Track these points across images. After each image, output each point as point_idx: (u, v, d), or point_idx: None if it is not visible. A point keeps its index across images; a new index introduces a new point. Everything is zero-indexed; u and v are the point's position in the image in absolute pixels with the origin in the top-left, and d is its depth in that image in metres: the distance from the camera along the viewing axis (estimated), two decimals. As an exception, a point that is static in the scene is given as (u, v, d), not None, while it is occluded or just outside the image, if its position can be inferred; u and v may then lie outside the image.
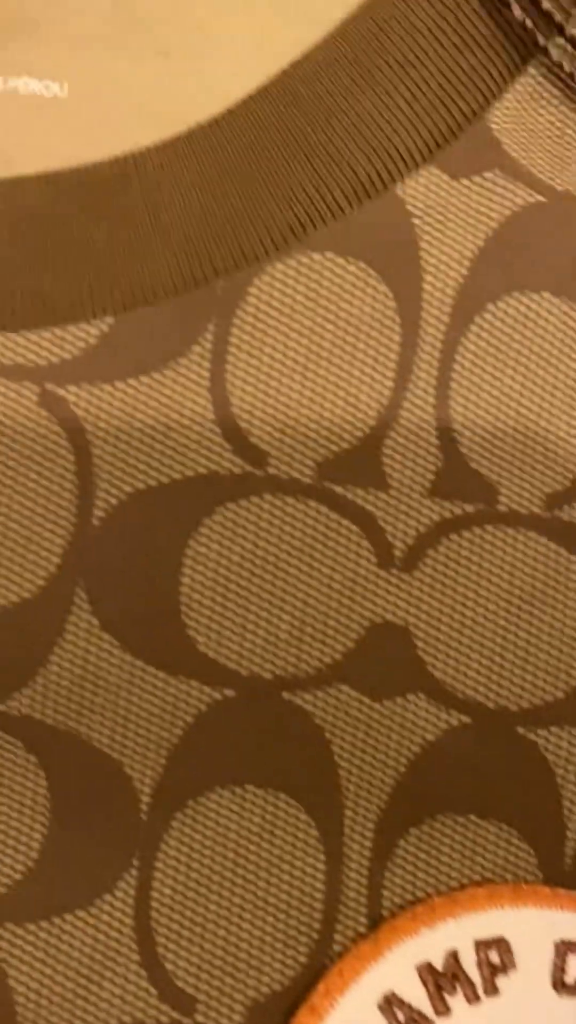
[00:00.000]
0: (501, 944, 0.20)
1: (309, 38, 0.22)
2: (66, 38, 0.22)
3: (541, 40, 0.21)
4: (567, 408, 0.21)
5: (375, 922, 0.20)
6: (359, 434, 0.20)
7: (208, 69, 0.22)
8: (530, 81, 0.21)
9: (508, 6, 0.21)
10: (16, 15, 0.22)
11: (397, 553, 0.20)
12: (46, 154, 0.22)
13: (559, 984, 0.20)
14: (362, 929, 0.20)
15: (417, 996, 0.20)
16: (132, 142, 0.22)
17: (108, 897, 0.20)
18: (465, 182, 0.21)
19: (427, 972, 0.20)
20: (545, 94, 0.22)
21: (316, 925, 0.20)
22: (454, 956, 0.20)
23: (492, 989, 0.20)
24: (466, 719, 0.20)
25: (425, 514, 0.20)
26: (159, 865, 0.20)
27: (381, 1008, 0.20)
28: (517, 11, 0.21)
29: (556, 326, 0.21)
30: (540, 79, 0.22)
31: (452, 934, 0.20)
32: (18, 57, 0.22)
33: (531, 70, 0.21)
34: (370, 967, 0.20)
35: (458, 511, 0.20)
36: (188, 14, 0.22)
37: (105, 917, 0.20)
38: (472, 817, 0.20)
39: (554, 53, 0.21)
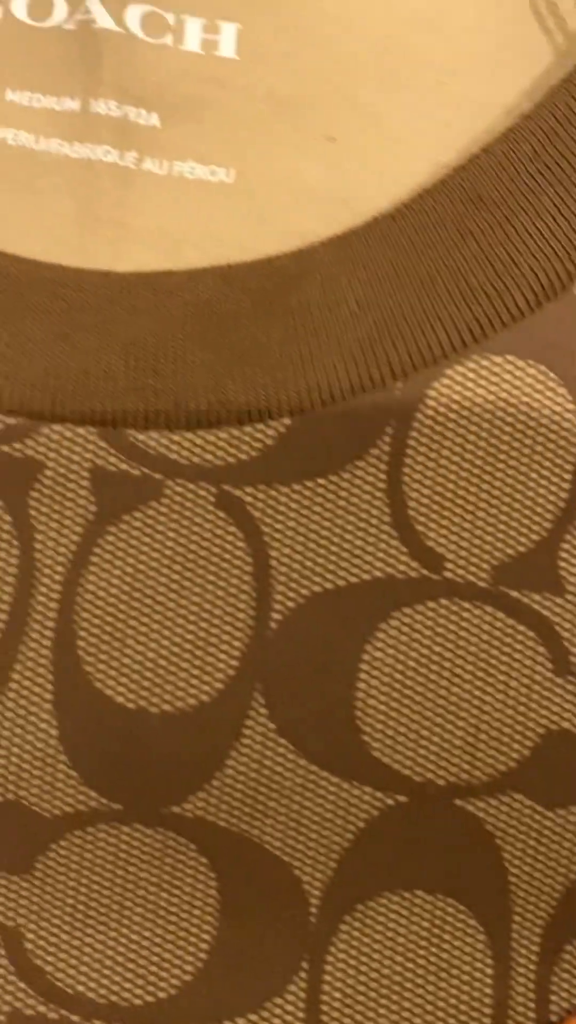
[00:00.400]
0: None
1: (480, 125, 0.22)
2: (232, 122, 0.22)
3: None
4: None
5: (546, 1030, 0.20)
6: (535, 537, 0.20)
7: (375, 155, 0.22)
8: None
9: None
10: (183, 99, 0.22)
11: (573, 660, 0.20)
12: (212, 239, 0.22)
13: None
14: (532, 1035, 0.20)
15: None
16: (298, 228, 0.22)
17: (278, 1000, 0.20)
18: None
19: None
20: None
21: None
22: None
23: None
24: None
25: (602, 620, 0.20)
26: (328, 968, 0.20)
27: None
28: None
29: None
30: None
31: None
32: (185, 141, 0.22)
33: None
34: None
35: None
36: (355, 99, 0.22)
37: (276, 1021, 0.20)
38: None
39: None
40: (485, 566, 0.20)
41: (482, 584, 0.20)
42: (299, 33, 0.22)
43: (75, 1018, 0.20)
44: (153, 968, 0.20)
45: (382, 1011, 0.20)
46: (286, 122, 0.22)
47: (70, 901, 0.20)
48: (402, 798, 0.20)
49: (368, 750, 0.20)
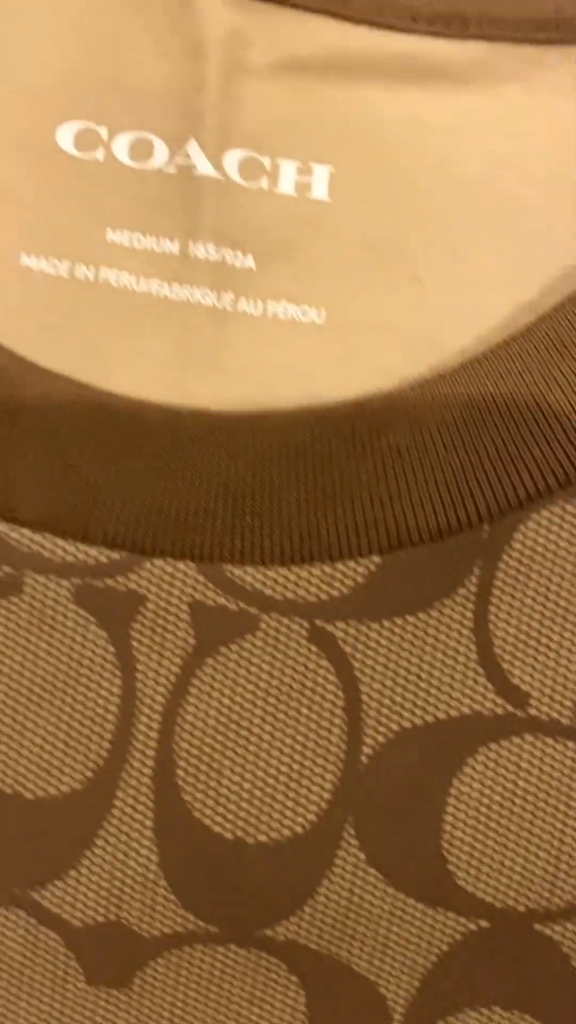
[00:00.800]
0: None
1: (561, 264, 0.23)
2: (323, 264, 0.23)
3: None
4: None
5: None
6: None
7: (459, 294, 0.23)
8: None
9: None
10: (277, 241, 0.23)
11: None
12: (304, 378, 0.23)
13: None
14: None
15: None
16: (386, 366, 0.23)
17: None
18: None
19: None
20: None
21: None
22: None
23: None
24: None
25: None
26: None
27: None
28: None
29: None
30: None
31: None
32: (278, 283, 0.23)
33: None
34: None
35: None
36: (442, 242, 0.23)
37: None
38: None
39: None
40: (568, 703, 0.21)
41: (565, 721, 0.21)
42: (389, 175, 0.23)
43: None
44: None
45: None
46: (374, 263, 0.23)
47: (166, 1015, 0.21)
48: (484, 923, 0.21)
49: (453, 879, 0.21)
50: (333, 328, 0.23)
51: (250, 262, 0.23)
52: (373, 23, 0.22)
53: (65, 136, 0.22)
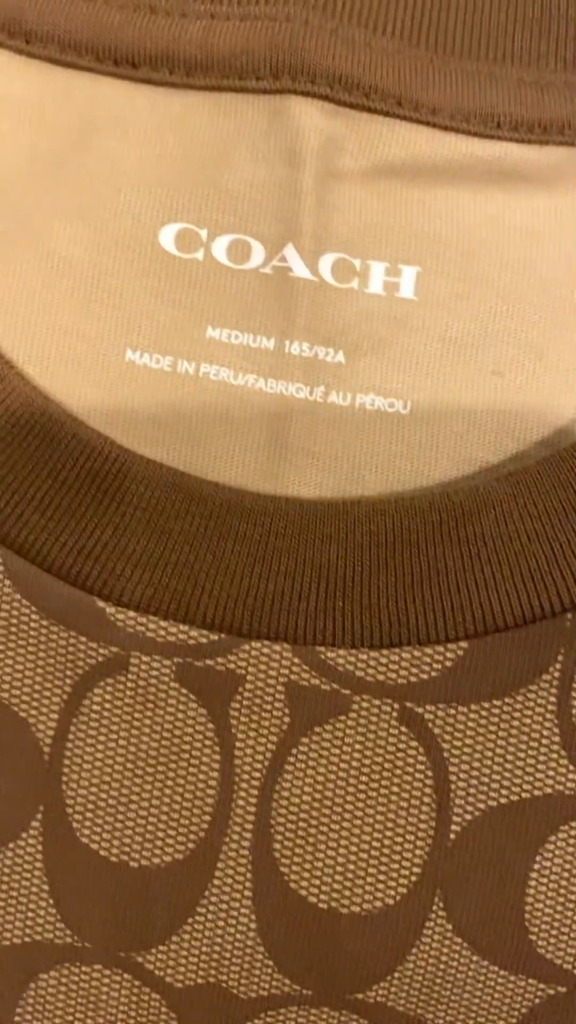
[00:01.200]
0: None
1: None
2: (409, 358, 0.24)
3: None
4: None
5: None
6: None
7: (538, 388, 0.24)
8: None
9: None
10: (366, 337, 0.24)
11: None
12: (390, 466, 0.24)
13: None
14: None
15: None
16: (469, 455, 0.24)
17: None
18: None
19: None
20: None
21: None
22: None
23: None
24: None
25: None
26: None
27: None
28: None
29: None
30: None
31: None
32: (366, 376, 0.24)
33: None
34: None
35: None
36: (522, 337, 0.24)
37: None
38: None
39: None
40: None
41: None
42: (472, 275, 0.24)
43: None
44: None
45: None
46: (458, 358, 0.24)
47: (260, 1072, 0.22)
48: (562, 988, 0.22)
49: (534, 947, 0.22)
50: (418, 419, 0.24)
51: (340, 357, 0.24)
52: (461, 130, 0.24)
53: (167, 237, 0.24)
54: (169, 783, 0.22)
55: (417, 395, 0.24)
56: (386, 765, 0.22)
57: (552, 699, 0.22)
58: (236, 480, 0.24)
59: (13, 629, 0.23)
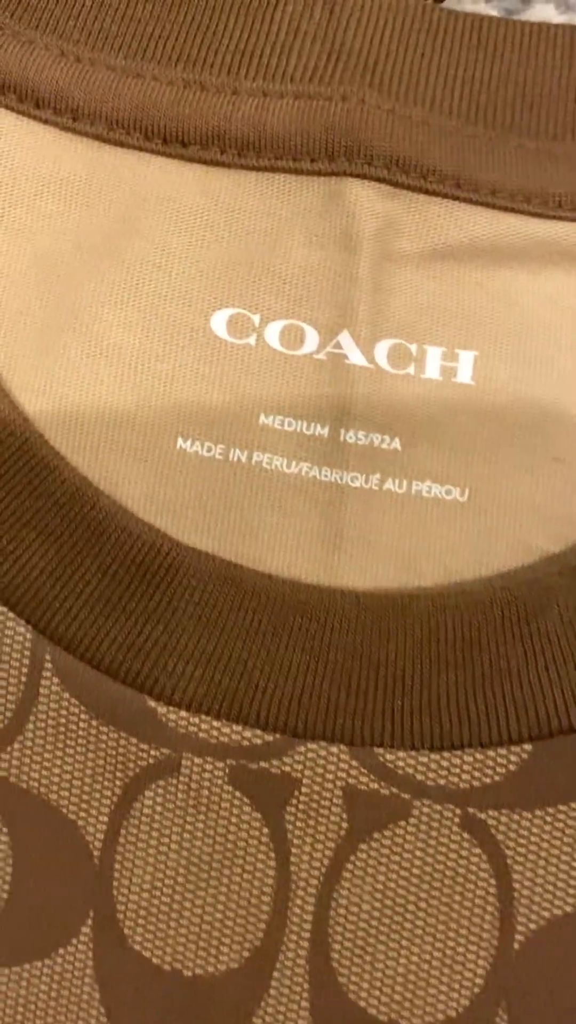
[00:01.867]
0: None
1: None
2: (466, 444, 0.23)
3: None
4: None
5: None
6: None
7: (601, 474, 0.23)
8: None
9: None
10: (422, 423, 0.23)
11: None
12: (448, 555, 0.23)
13: None
14: None
15: None
16: (527, 543, 0.23)
17: None
18: None
19: None
20: None
21: None
22: None
23: None
24: None
25: None
26: None
27: None
28: None
29: None
30: None
31: None
32: (423, 463, 0.23)
33: None
34: None
35: None
36: (583, 423, 0.23)
37: None
38: None
39: None
40: None
41: None
42: (530, 359, 0.23)
43: None
44: None
45: None
46: (516, 444, 0.23)
47: None
48: None
49: (600, 1059, 0.21)
50: (475, 506, 0.23)
51: (396, 444, 0.23)
52: (520, 211, 0.23)
53: (219, 322, 0.23)
54: (223, 889, 0.22)
55: (475, 482, 0.23)
56: (448, 872, 0.21)
57: (620, 803, 0.21)
58: (290, 571, 0.23)
59: (62, 729, 0.22)
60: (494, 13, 0.25)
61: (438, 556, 0.23)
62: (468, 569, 0.23)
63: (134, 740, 0.22)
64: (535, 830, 0.21)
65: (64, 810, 0.22)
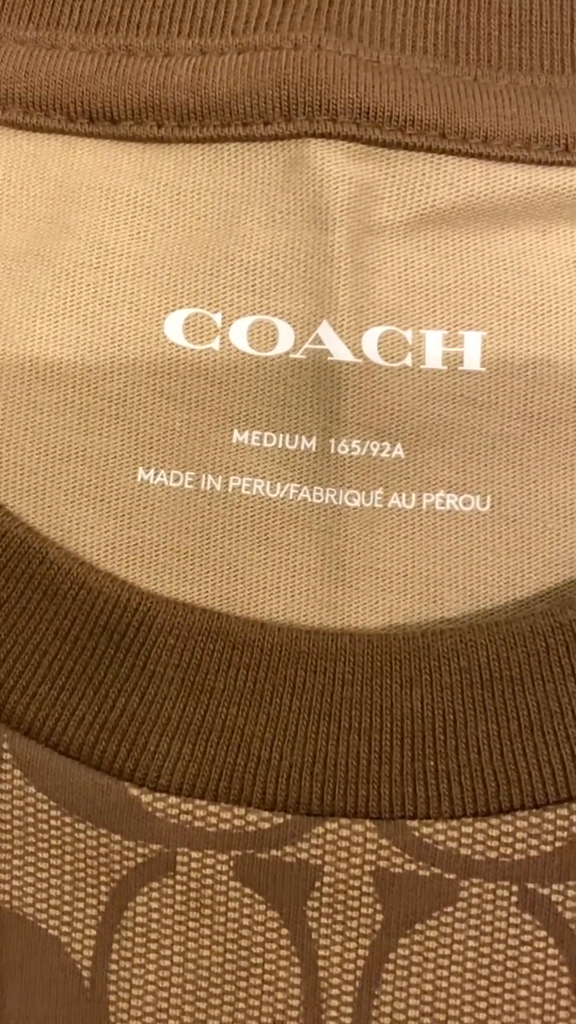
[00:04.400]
0: None
1: None
2: (483, 444, 0.19)
3: None
4: None
5: None
6: None
7: None
8: None
9: None
10: (427, 423, 0.19)
11: None
12: (472, 577, 0.19)
13: None
14: None
15: None
16: (566, 555, 0.19)
17: None
18: None
19: None
20: None
21: None
22: None
23: None
24: None
25: None
26: None
27: None
28: None
29: None
30: None
31: None
32: (433, 471, 0.19)
33: None
34: None
35: None
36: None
37: None
38: None
39: None
40: None
41: None
42: (551, 335, 0.19)
43: None
44: None
45: None
46: (540, 437, 0.19)
47: None
48: None
49: None
50: (500, 516, 0.19)
51: (399, 451, 0.19)
52: (520, 159, 0.19)
53: (174, 326, 0.19)
54: (240, 1006, 0.18)
55: (497, 487, 0.19)
56: (509, 964, 0.17)
57: None
58: (286, 615, 0.19)
59: (31, 830, 0.18)
60: None
61: (461, 580, 0.19)
62: (499, 593, 0.19)
63: (117, 838, 0.18)
64: (610, 903, 0.17)
65: (43, 925, 0.18)
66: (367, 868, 0.18)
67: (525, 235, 0.19)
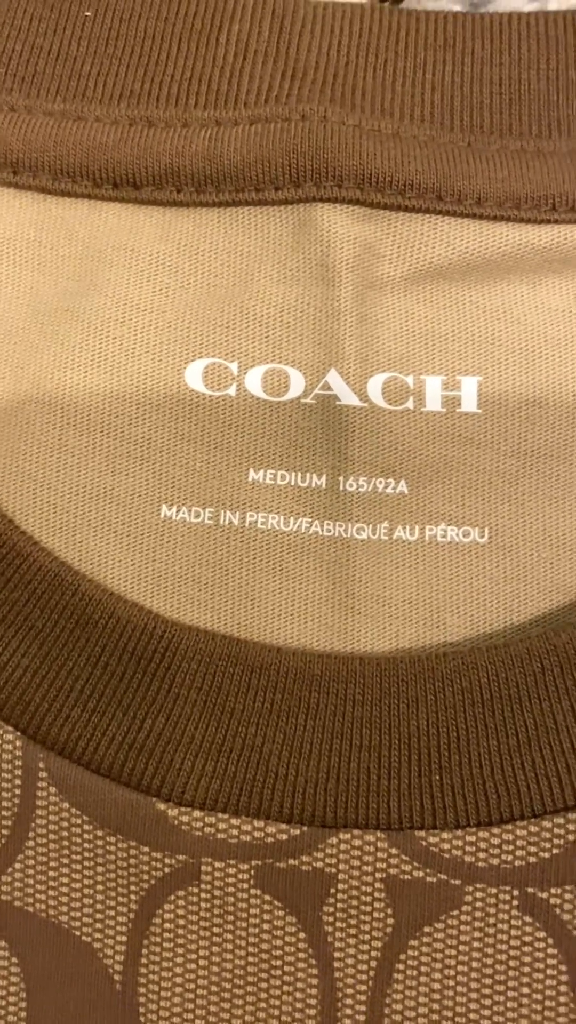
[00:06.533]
0: None
1: None
2: (481, 479, 0.20)
3: None
4: None
5: None
6: None
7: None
8: None
9: None
10: (429, 461, 0.20)
11: None
12: (472, 603, 0.20)
13: None
14: None
15: None
16: (560, 582, 0.20)
17: None
18: None
19: None
20: None
21: None
22: None
23: None
24: None
25: None
26: None
27: None
28: None
29: None
30: None
31: None
32: (434, 505, 0.20)
33: None
34: None
35: None
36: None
37: None
38: None
39: None
40: None
41: None
42: (539, 376, 0.20)
43: None
44: None
45: None
46: (535, 473, 0.20)
47: None
48: None
49: None
50: (498, 547, 0.20)
51: (403, 487, 0.20)
52: (511, 218, 0.20)
53: (194, 375, 0.20)
54: (263, 1006, 0.19)
55: (495, 520, 0.20)
56: (511, 964, 0.18)
57: None
58: (300, 640, 0.20)
59: (66, 844, 0.19)
60: (458, 8, 0.23)
61: (463, 607, 0.20)
62: (498, 618, 0.20)
63: (146, 849, 0.19)
64: (605, 906, 0.18)
65: (77, 932, 0.19)
66: (378, 875, 0.19)
67: (516, 287, 0.20)
